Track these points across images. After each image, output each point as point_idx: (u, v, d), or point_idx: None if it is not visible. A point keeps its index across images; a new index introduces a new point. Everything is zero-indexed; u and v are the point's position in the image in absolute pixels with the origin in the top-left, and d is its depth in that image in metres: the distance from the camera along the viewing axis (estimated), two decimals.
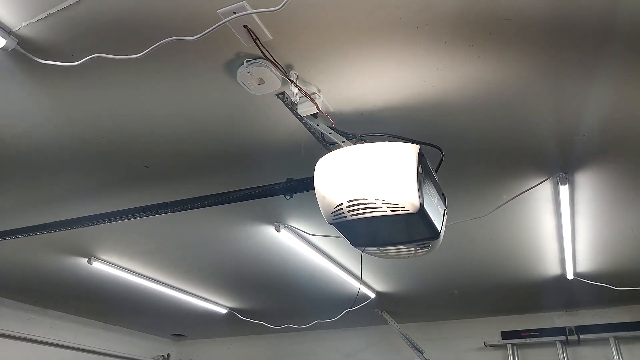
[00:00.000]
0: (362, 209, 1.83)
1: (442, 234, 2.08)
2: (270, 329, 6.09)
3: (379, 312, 5.69)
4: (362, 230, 2.03)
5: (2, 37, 1.83)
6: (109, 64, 1.92)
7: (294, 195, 2.28)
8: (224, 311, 5.67)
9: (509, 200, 2.92)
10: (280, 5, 1.50)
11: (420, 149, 1.86)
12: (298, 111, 2.13)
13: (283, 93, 2.11)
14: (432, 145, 2.12)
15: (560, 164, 2.67)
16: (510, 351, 5.65)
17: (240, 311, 5.66)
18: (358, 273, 4.49)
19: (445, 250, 3.89)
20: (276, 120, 2.34)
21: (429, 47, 1.88)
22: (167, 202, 2.63)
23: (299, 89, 2.00)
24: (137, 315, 6.03)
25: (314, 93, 2.09)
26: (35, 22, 1.80)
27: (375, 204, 1.79)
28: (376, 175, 1.79)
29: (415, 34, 1.83)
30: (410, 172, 1.79)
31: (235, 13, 1.71)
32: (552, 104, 2.19)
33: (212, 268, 4.46)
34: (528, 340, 5.64)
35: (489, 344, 5.73)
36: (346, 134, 2.11)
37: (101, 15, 1.75)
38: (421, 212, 1.83)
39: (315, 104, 2.06)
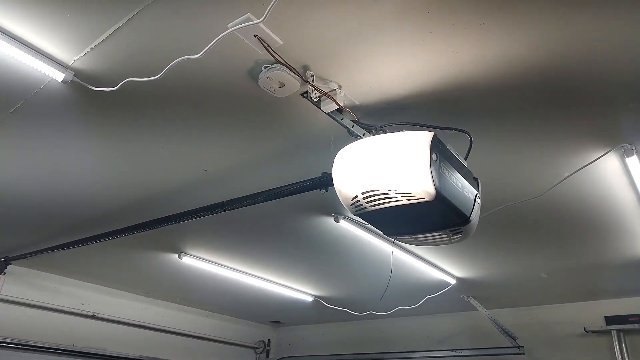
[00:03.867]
0: (379, 199, 1.86)
1: (473, 219, 2.04)
2: (360, 316, 6.25)
3: (466, 297, 5.55)
4: (389, 219, 2.04)
5: (61, 71, 2.14)
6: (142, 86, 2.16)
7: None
8: (309, 299, 5.91)
9: (568, 177, 2.73)
10: (263, 17, 1.59)
11: (434, 135, 1.84)
12: (322, 108, 2.20)
13: (307, 92, 2.19)
14: (458, 130, 2.08)
15: (624, 134, 2.44)
16: (616, 337, 5.18)
17: (326, 299, 5.87)
18: (431, 259, 4.44)
19: (522, 232, 3.71)
20: (307, 117, 2.43)
21: (437, 31, 1.85)
22: (223, 202, 2.85)
23: (315, 89, 2.07)
24: (234, 303, 6.49)
25: (334, 89, 2.15)
26: (84, 55, 2.08)
27: (388, 194, 1.82)
28: (386, 166, 1.81)
29: (420, 20, 1.81)
30: (422, 160, 1.78)
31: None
32: (601, 64, 2.01)
33: (292, 258, 4.65)
34: (637, 325, 5.14)
35: (591, 329, 5.32)
36: (367, 126, 2.15)
37: (130, 44, 1.98)
38: (439, 199, 1.81)
39: (335, 100, 2.12)
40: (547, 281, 4.89)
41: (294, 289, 5.63)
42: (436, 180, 1.80)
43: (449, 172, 1.89)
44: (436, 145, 1.83)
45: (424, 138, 1.82)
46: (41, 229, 4.02)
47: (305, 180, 2.42)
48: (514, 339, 5.53)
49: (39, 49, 2.05)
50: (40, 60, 2.08)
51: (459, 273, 4.84)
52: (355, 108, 2.29)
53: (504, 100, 2.23)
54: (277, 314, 7.19)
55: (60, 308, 5.28)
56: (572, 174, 2.71)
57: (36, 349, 4.98)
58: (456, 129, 2.04)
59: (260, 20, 1.62)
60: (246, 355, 7.55)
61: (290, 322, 7.71)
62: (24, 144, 2.78)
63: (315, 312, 6.58)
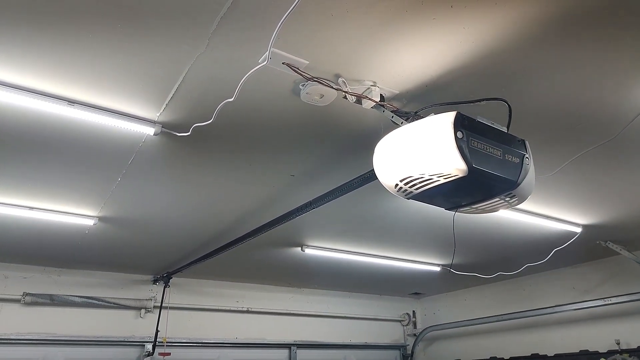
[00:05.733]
0: (419, 183, 2.01)
1: (524, 181, 2.07)
2: (500, 277, 6.20)
3: (603, 243, 5.18)
4: (441, 196, 2.16)
5: (151, 127, 2.65)
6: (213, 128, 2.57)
7: None
8: (438, 269, 6.02)
9: None
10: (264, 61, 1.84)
11: (457, 114, 1.92)
12: (363, 106, 2.38)
13: (345, 96, 2.39)
14: (490, 99, 2.11)
15: None
16: None
17: (453, 266, 5.93)
18: (547, 213, 4.29)
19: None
20: (359, 115, 2.62)
21: (440, 16, 1.92)
22: (310, 201, 3.20)
23: (347, 94, 2.27)
24: (370, 282, 6.82)
25: (369, 87, 2.32)
26: (163, 110, 2.55)
27: (423, 177, 1.96)
28: (415, 152, 1.95)
29: (417, 12, 1.89)
30: (446, 140, 1.89)
31: (270, 59, 2.11)
32: None
33: (409, 232, 4.79)
34: None
35: None
36: (405, 114, 2.27)
37: (192, 95, 2.39)
38: (475, 172, 1.90)
39: (369, 98, 2.28)
40: None
41: (417, 261, 5.79)
42: (467, 155, 1.89)
43: (482, 144, 1.96)
44: (461, 123, 1.92)
45: (447, 118, 1.92)
46: (183, 247, 4.81)
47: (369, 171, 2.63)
48: None
49: (132, 114, 2.57)
50: (136, 123, 2.60)
51: (584, 220, 4.56)
52: (396, 97, 2.44)
53: (533, 55, 2.18)
54: (414, 286, 7.38)
55: (220, 307, 6.18)
56: None
57: (207, 345, 5.92)
58: (488, 99, 2.08)
59: (265, 62, 1.88)
60: (393, 328, 7.90)
61: (431, 292, 7.86)
62: (150, 187, 3.42)
63: (452, 280, 6.65)
